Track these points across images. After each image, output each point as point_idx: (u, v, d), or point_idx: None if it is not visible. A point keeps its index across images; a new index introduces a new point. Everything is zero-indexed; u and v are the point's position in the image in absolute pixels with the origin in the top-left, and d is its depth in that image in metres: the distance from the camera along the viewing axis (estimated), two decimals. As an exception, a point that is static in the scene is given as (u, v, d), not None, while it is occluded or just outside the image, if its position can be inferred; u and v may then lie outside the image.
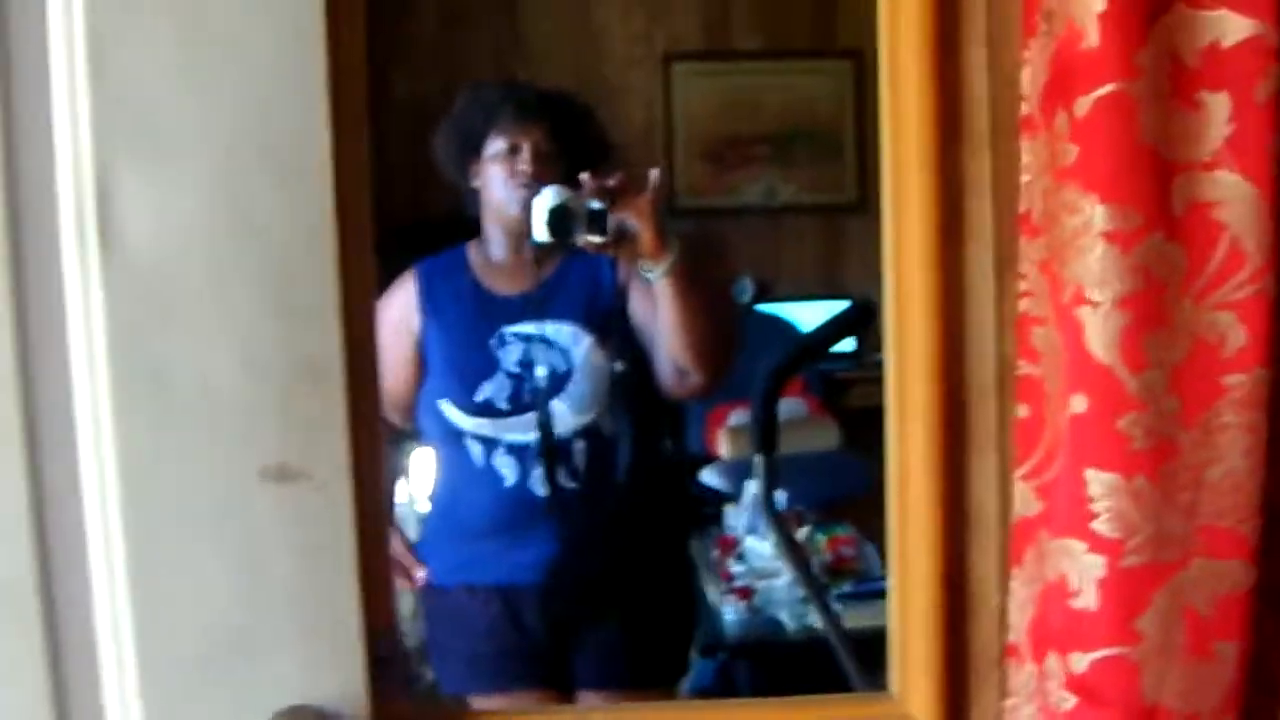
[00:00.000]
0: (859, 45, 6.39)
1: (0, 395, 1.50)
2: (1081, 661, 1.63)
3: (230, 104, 1.52)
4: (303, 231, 1.56)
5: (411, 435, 3.88)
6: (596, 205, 2.87)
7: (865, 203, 6.62)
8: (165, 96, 1.51)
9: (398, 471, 4.33)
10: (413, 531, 4.43)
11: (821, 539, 4.37)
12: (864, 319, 3.04)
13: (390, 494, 1.77)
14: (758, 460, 2.92)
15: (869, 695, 1.92)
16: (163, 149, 1.51)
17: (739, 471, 4.97)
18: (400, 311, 3.12)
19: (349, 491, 1.59)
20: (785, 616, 4.07)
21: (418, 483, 4.68)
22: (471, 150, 3.09)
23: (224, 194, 1.53)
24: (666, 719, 1.86)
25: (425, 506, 4.06)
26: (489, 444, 3.03)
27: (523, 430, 3.01)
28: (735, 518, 4.65)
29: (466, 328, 3.09)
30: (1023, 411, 1.69)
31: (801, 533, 4.37)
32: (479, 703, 3.04)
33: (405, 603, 4.34)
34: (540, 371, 3.00)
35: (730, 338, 3.10)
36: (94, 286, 1.51)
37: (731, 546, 4.48)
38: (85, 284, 1.51)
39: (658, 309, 2.96)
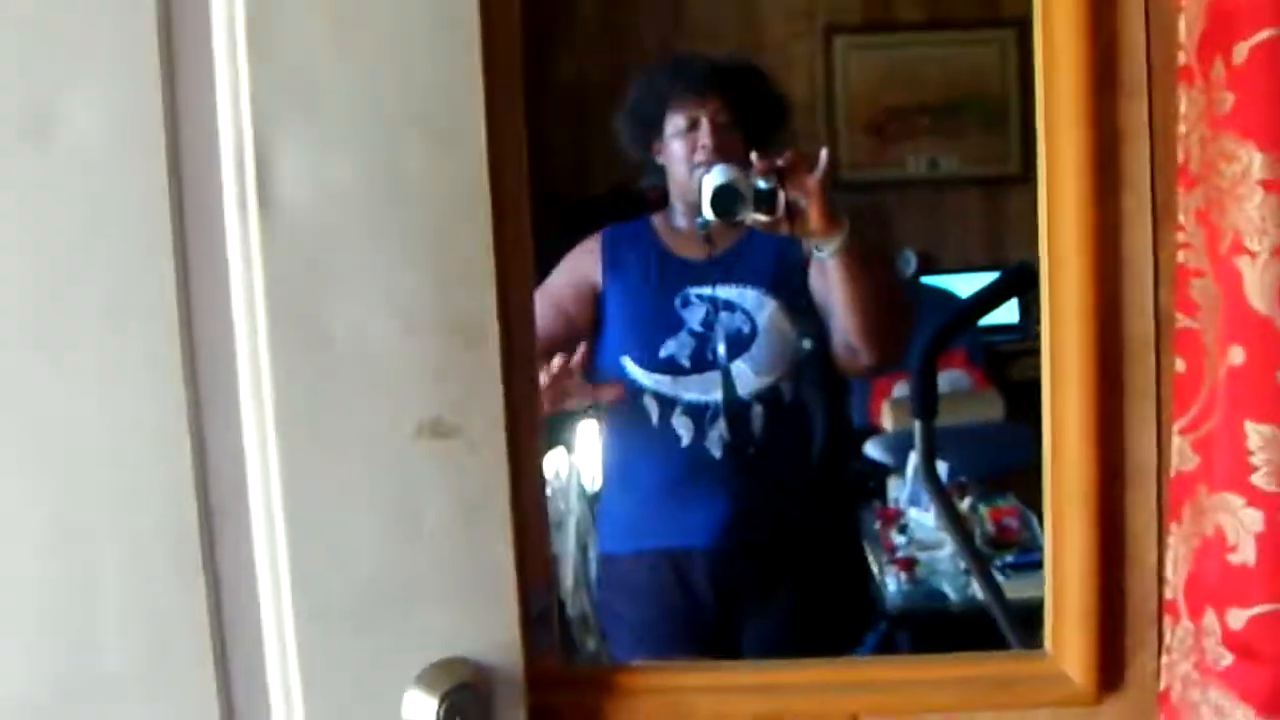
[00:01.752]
0: (1022, 14, 6.29)
1: (166, 355, 1.53)
2: (1239, 618, 1.60)
3: (385, 71, 1.54)
4: (457, 195, 1.57)
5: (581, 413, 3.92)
6: (764, 184, 2.87)
7: (1029, 173, 6.49)
8: (322, 64, 1.53)
9: (556, 445, 4.36)
10: (577, 504, 4.47)
11: (984, 510, 4.34)
12: (1022, 282, 3.02)
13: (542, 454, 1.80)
14: (917, 427, 2.92)
15: (1024, 653, 1.90)
16: (320, 115, 1.54)
17: (902, 444, 4.96)
18: (582, 272, 3.15)
19: (503, 449, 1.60)
20: (948, 588, 4.06)
21: (582, 456, 4.73)
22: (653, 130, 3.12)
23: (380, 159, 1.55)
24: (829, 675, 1.85)
25: (591, 481, 4.09)
26: (666, 403, 3.05)
27: (701, 390, 3.03)
28: (898, 490, 4.64)
29: (651, 287, 3.13)
30: (1180, 365, 1.67)
31: (964, 504, 4.35)
32: (644, 669, 3.06)
33: (567, 575, 4.39)
34: (722, 337, 3.01)
35: (902, 319, 3.08)
36: (254, 248, 1.53)
37: (894, 518, 4.47)
38: (245, 246, 1.54)
39: (830, 287, 2.96)
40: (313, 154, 1.54)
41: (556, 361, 2.92)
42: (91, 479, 1.55)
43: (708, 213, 2.92)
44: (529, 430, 1.71)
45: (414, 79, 1.56)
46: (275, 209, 1.53)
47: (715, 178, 2.90)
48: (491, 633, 1.64)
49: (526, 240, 1.71)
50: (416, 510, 1.59)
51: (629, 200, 3.34)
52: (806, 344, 3.05)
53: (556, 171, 5.67)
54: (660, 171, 3.15)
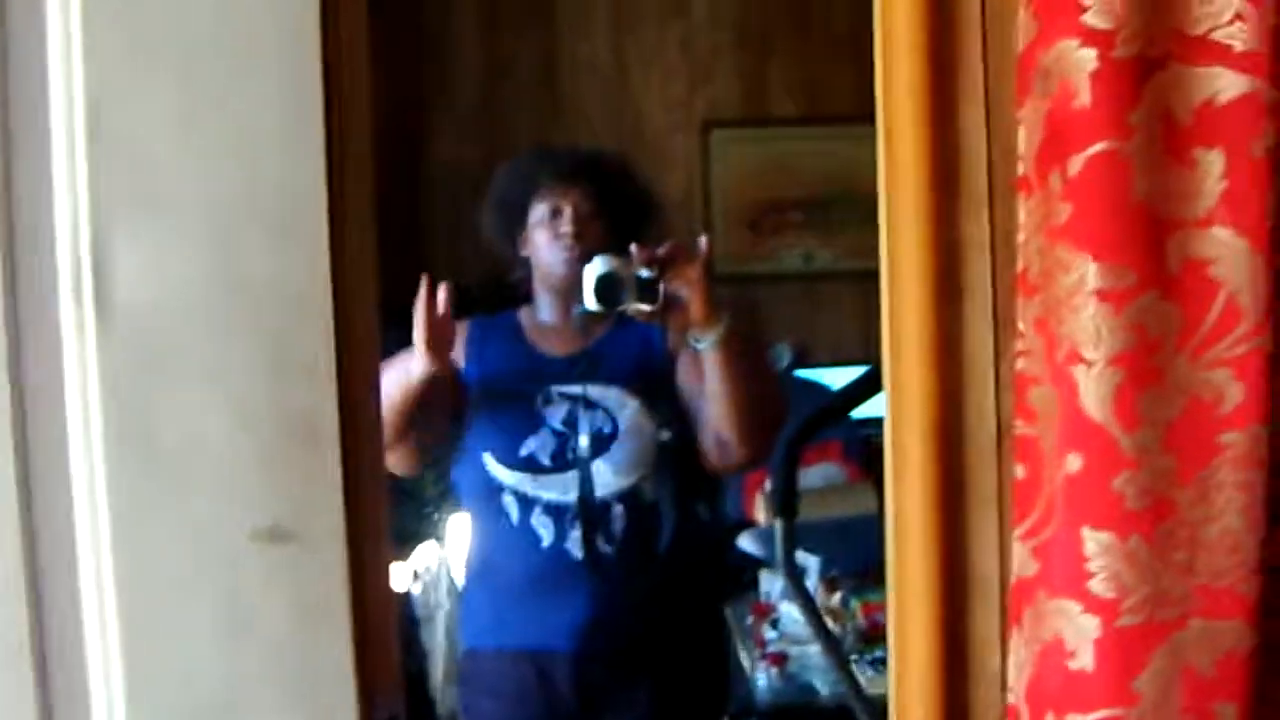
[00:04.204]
0: (897, 111, 6.38)
1: (-3, 452, 1.51)
2: (1080, 723, 1.61)
3: (226, 163, 1.54)
4: (298, 294, 1.57)
5: (444, 500, 3.87)
6: (646, 274, 2.87)
7: (904, 269, 6.59)
8: (162, 155, 1.53)
9: (426, 539, 4.33)
10: (446, 599, 4.43)
11: (856, 604, 4.35)
12: (878, 386, 3.03)
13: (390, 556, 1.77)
14: (778, 525, 2.91)
15: (870, 758, 1.91)
16: (159, 207, 1.53)
17: (774, 537, 4.95)
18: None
19: (342, 552, 1.59)
20: (818, 682, 4.05)
21: (452, 550, 4.70)
22: (517, 220, 3.11)
23: (220, 252, 1.54)
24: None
25: (459, 573, 4.06)
26: (527, 502, 3.02)
27: (561, 490, 3.00)
28: (770, 584, 4.63)
29: (514, 384, 3.10)
30: (1020, 471, 1.68)
31: (836, 598, 4.35)
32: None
33: (437, 670, 4.35)
34: (583, 436, 3.00)
35: (776, 414, 3.07)
36: (89, 343, 1.52)
37: (766, 612, 4.46)
38: (81, 340, 1.52)
39: (705, 379, 2.96)
40: (152, 249, 1.53)
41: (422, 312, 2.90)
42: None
43: (590, 302, 2.91)
44: (375, 531, 1.69)
45: (258, 176, 1.55)
46: (112, 303, 1.52)
47: (597, 267, 2.90)
48: (333, 743, 1.62)
49: (372, 339, 1.70)
50: (251, 614, 1.57)
51: (500, 291, 3.32)
52: (665, 435, 3.03)
53: (433, 257, 5.64)
54: (526, 264, 3.14)
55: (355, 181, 1.65)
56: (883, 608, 4.29)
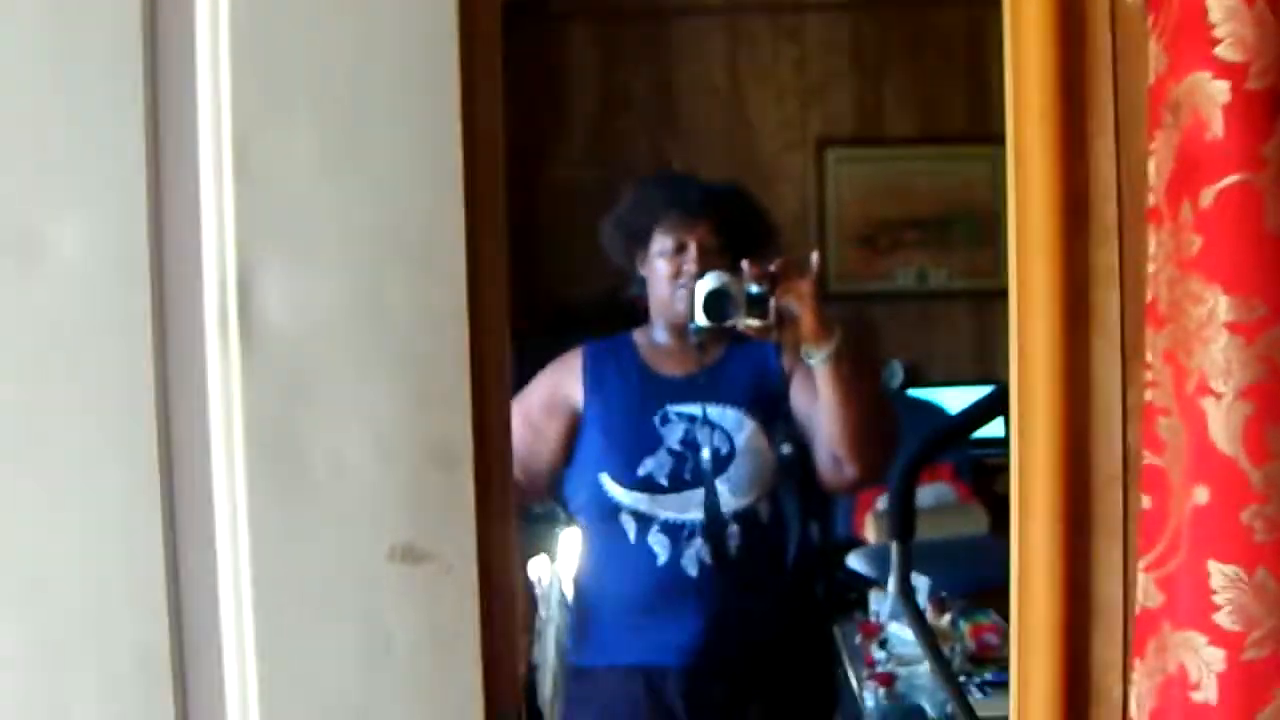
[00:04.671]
0: (1012, 130, 6.35)
1: (144, 475, 1.55)
2: (1204, 756, 1.61)
3: (366, 195, 1.58)
4: (436, 322, 1.60)
5: (554, 515, 3.91)
6: (756, 289, 2.89)
7: (1017, 288, 6.56)
8: (305, 190, 1.57)
9: (539, 552, 4.35)
10: (558, 613, 4.44)
11: (965, 626, 4.32)
12: (1005, 403, 3.02)
13: (520, 578, 1.79)
14: (894, 547, 2.91)
15: (992, 785, 1.91)
16: (302, 240, 1.57)
17: (884, 556, 4.93)
18: (562, 387, 3.16)
19: (474, 573, 1.62)
20: (926, 703, 4.03)
21: (564, 564, 4.71)
22: (639, 243, 3.13)
23: (360, 283, 1.58)
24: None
25: (570, 588, 4.08)
26: (644, 521, 3.04)
27: (678, 509, 3.01)
28: (879, 603, 4.62)
29: (631, 404, 3.12)
30: (1146, 502, 1.68)
31: (945, 619, 4.32)
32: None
33: (545, 684, 4.36)
34: (704, 452, 3.02)
35: (889, 434, 3.07)
36: (234, 371, 1.56)
37: (875, 632, 4.44)
38: (225, 369, 1.56)
39: (819, 395, 2.97)
40: (295, 280, 1.56)
41: None
42: (65, 602, 1.56)
43: (699, 317, 2.93)
44: (503, 552, 1.72)
45: (397, 208, 1.59)
46: (256, 332, 1.56)
47: (708, 283, 2.92)
48: (462, 761, 1.64)
49: (504, 362, 1.73)
50: (387, 634, 1.60)
51: (617, 306, 3.35)
52: (785, 449, 3.04)
53: (549, 272, 5.69)
54: (643, 284, 3.16)
55: (488, 215, 1.68)
56: (993, 629, 4.32)
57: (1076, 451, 1.71)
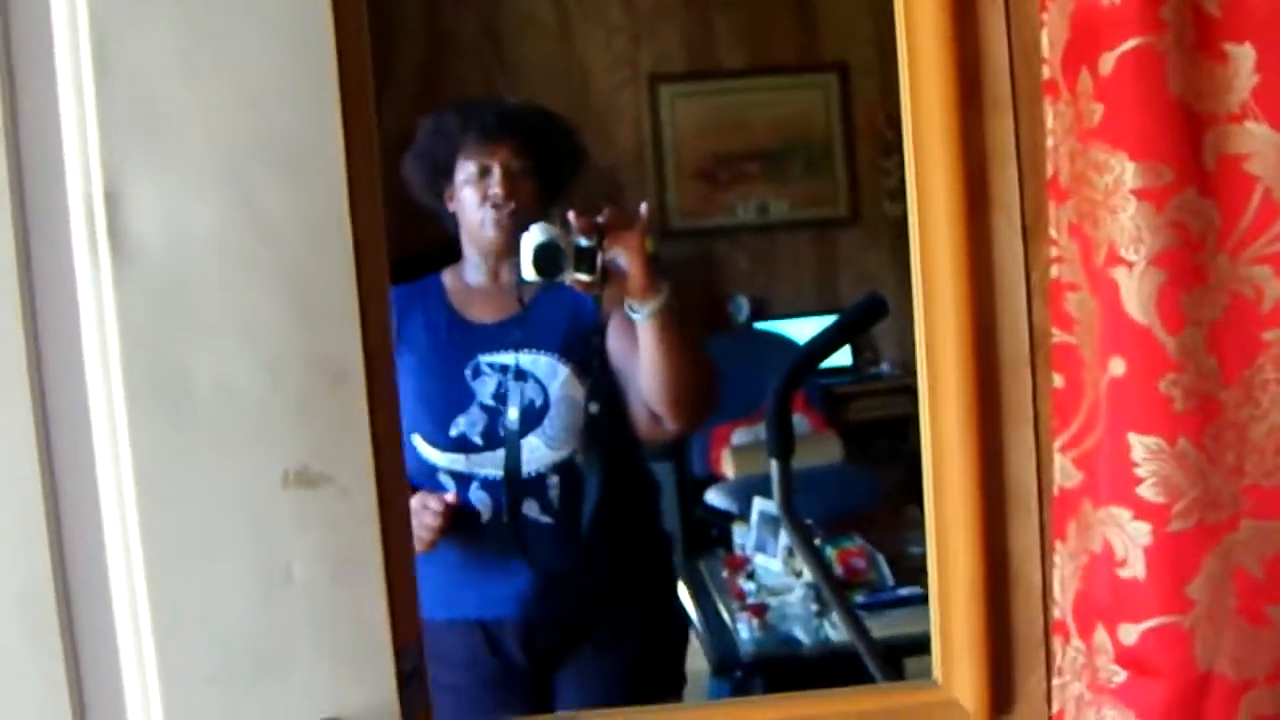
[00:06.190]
0: (844, 58, 6.38)
1: (14, 404, 1.46)
2: (1131, 633, 1.59)
3: (238, 100, 1.49)
4: (318, 233, 1.52)
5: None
6: (585, 243, 2.80)
7: (857, 216, 6.60)
8: (172, 93, 1.47)
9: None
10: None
11: (832, 552, 4.34)
12: (874, 313, 3.01)
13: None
14: (774, 467, 2.88)
15: (914, 684, 1.88)
16: (171, 147, 1.47)
17: (744, 490, 4.96)
18: None
19: (374, 495, 1.55)
20: (800, 631, 4.04)
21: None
22: (442, 175, 3.01)
23: (235, 193, 1.48)
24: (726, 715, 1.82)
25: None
26: (462, 480, 2.95)
27: (496, 465, 2.93)
28: (743, 536, 4.62)
29: (441, 359, 3.00)
30: (1058, 381, 1.66)
31: (813, 546, 4.34)
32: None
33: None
34: (512, 411, 2.93)
35: (708, 387, 3.01)
36: (106, 290, 1.46)
37: (741, 565, 4.45)
38: (97, 288, 1.47)
39: (640, 350, 2.89)
40: (167, 190, 1.47)
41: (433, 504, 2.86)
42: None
43: (528, 272, 2.83)
44: (396, 475, 1.64)
45: (269, 108, 1.50)
46: (127, 247, 1.46)
47: (535, 236, 2.82)
48: (366, 693, 1.57)
49: (384, 278, 1.64)
50: (285, 562, 1.52)
51: (437, 258, 3.22)
52: (594, 408, 2.96)
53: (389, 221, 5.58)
54: (454, 221, 3.05)
55: (361, 127, 1.59)
56: (859, 553, 4.33)
57: (982, 334, 1.67)
